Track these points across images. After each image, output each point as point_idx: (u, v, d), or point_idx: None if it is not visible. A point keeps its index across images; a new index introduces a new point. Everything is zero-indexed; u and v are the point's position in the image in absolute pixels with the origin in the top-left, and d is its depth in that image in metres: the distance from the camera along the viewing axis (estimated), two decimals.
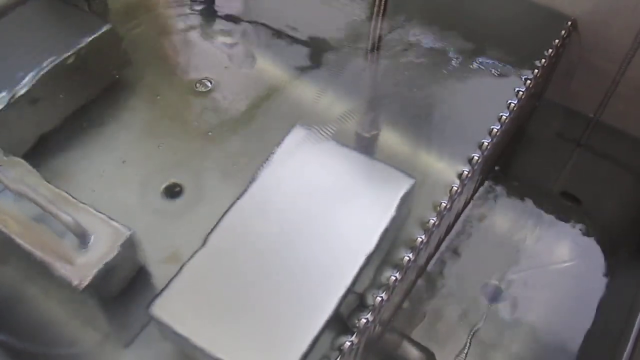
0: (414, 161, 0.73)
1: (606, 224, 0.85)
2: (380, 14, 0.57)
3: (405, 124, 0.76)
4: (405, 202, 0.61)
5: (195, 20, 0.91)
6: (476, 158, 0.68)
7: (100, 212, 0.57)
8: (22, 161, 0.61)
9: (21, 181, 0.56)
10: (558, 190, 0.90)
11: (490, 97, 0.75)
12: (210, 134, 0.78)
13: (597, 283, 0.79)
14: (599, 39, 0.82)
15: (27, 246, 0.55)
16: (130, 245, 0.56)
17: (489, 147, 0.69)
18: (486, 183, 0.87)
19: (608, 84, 0.86)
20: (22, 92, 0.69)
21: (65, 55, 0.72)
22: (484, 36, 0.82)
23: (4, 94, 0.68)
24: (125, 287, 0.58)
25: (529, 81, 0.74)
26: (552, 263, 0.80)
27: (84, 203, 0.57)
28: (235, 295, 0.55)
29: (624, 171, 0.91)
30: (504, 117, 0.71)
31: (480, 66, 0.79)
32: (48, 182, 0.59)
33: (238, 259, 0.57)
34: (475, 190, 0.84)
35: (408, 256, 0.61)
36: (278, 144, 0.65)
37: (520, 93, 0.73)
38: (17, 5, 0.76)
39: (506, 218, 0.85)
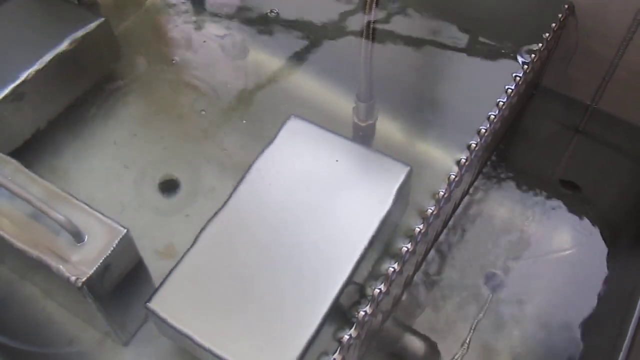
0: (412, 150, 0.72)
1: (606, 210, 0.85)
2: (375, 0, 0.57)
3: (402, 112, 0.76)
4: (403, 191, 0.61)
5: (187, 11, 0.90)
6: (474, 145, 0.67)
7: (95, 210, 0.56)
8: (12, 159, 0.60)
9: (13, 179, 0.55)
10: (557, 178, 0.90)
11: (488, 83, 0.74)
12: (204, 126, 0.77)
13: (597, 270, 0.78)
14: (596, 22, 0.81)
15: (22, 245, 0.54)
16: (126, 242, 0.56)
17: (487, 133, 0.68)
18: (485, 171, 0.86)
19: (605, 68, 0.85)
20: (14, 88, 0.68)
21: (57, 50, 0.71)
22: (481, 21, 0.81)
23: None
24: (123, 284, 0.58)
25: (526, 66, 0.74)
26: (552, 251, 0.80)
27: (78, 199, 0.57)
28: (233, 289, 0.54)
29: (623, 158, 0.91)
30: (501, 103, 0.70)
31: (477, 52, 0.78)
32: (42, 178, 0.58)
33: (235, 252, 0.57)
34: (474, 179, 0.84)
35: (406, 247, 0.60)
36: (273, 135, 0.64)
37: (518, 78, 0.72)
38: (6, 0, 0.75)
39: (505, 206, 0.84)
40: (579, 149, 0.92)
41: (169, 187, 0.72)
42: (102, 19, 0.75)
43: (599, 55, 0.84)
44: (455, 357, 0.70)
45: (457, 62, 0.79)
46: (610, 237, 0.81)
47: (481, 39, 0.80)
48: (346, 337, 0.55)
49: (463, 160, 0.66)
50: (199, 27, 0.88)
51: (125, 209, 0.70)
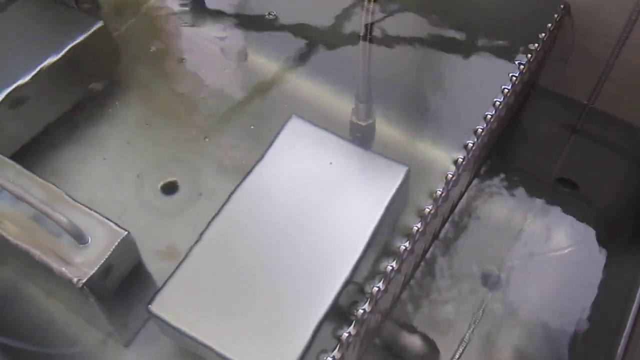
0: (410, 149, 0.73)
1: (603, 209, 0.85)
2: (372, 1, 0.57)
3: (400, 112, 0.76)
4: (401, 191, 0.62)
5: (186, 14, 0.90)
6: (471, 145, 0.68)
7: (96, 212, 0.57)
8: (13, 162, 0.60)
9: (15, 182, 0.56)
10: (554, 177, 0.90)
11: (485, 83, 0.75)
12: (205, 128, 0.78)
13: (595, 268, 0.79)
14: (592, 22, 0.81)
15: (24, 246, 0.55)
16: (127, 244, 0.56)
17: (484, 133, 0.69)
18: (483, 170, 0.87)
19: (602, 68, 0.85)
20: (14, 91, 0.69)
21: (57, 53, 0.72)
22: (477, 22, 0.82)
23: None
24: (124, 285, 0.58)
25: (522, 66, 0.74)
26: (550, 249, 0.80)
27: (79, 202, 0.57)
28: (234, 289, 0.55)
29: (620, 156, 0.91)
30: (498, 103, 0.71)
31: (474, 52, 0.79)
32: (44, 180, 0.59)
33: (236, 253, 0.57)
34: (472, 178, 0.84)
35: (404, 245, 0.61)
36: (273, 136, 0.65)
37: (515, 78, 0.73)
38: (6, 5, 0.76)
39: (503, 205, 0.85)
40: (576, 147, 0.92)
41: (169, 188, 0.73)
42: (101, 23, 0.75)
43: (595, 54, 0.84)
44: (454, 355, 0.70)
45: (453, 62, 0.79)
46: (607, 234, 0.82)
47: (477, 39, 0.80)
48: (345, 335, 0.55)
49: (460, 160, 0.67)
50: (198, 29, 0.89)
51: (126, 210, 0.70)
